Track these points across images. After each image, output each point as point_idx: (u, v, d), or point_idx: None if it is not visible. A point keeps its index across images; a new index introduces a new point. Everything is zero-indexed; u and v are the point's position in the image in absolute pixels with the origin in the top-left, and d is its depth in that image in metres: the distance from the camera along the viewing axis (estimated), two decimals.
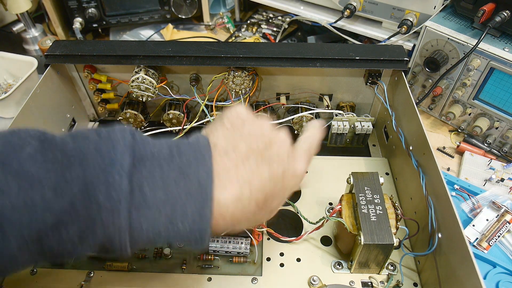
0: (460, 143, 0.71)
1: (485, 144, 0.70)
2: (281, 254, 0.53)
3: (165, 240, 0.31)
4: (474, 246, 0.57)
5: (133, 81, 0.60)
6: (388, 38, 0.78)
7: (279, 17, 0.98)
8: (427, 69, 0.70)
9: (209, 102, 0.63)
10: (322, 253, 0.53)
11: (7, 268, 0.29)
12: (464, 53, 0.65)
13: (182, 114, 0.66)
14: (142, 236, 0.30)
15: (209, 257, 0.52)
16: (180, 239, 0.32)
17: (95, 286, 0.50)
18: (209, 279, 0.50)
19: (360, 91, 0.68)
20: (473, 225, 0.59)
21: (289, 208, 0.57)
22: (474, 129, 0.69)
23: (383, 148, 0.68)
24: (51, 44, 0.63)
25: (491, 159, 0.69)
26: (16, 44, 0.94)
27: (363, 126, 0.63)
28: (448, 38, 0.66)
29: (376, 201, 0.48)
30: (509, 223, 0.58)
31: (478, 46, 0.62)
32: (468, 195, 0.63)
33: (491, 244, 0.56)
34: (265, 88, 0.67)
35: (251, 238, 0.52)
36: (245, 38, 0.95)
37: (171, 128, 0.67)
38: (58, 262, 0.31)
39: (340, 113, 0.64)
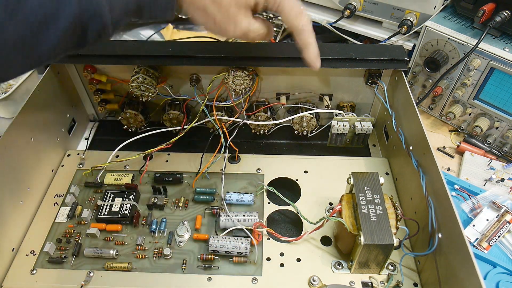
0: (460, 143, 0.71)
1: (485, 144, 0.70)
2: (281, 254, 0.53)
3: None
4: (474, 246, 0.57)
5: (133, 81, 0.60)
6: (388, 38, 0.78)
7: (280, 17, 0.98)
8: (427, 69, 0.70)
9: (209, 102, 0.63)
10: (322, 253, 0.53)
11: None
12: (464, 53, 0.65)
13: (182, 114, 0.66)
14: None
15: (209, 257, 0.52)
16: None
17: (95, 286, 0.50)
18: (209, 279, 0.50)
19: (360, 91, 0.68)
20: (473, 225, 0.58)
21: (289, 208, 0.57)
22: (474, 129, 0.69)
23: (383, 148, 0.68)
24: None
25: (491, 159, 0.69)
26: None
27: (363, 126, 0.63)
28: (448, 38, 0.66)
29: (376, 201, 0.48)
30: (509, 223, 0.58)
31: (478, 46, 0.62)
32: (468, 195, 0.63)
33: (491, 244, 0.56)
34: (265, 88, 0.67)
35: (251, 238, 0.52)
36: None
37: (171, 128, 0.67)
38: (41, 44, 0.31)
39: (340, 113, 0.64)
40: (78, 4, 0.31)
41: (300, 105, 0.67)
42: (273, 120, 0.67)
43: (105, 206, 0.56)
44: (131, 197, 0.57)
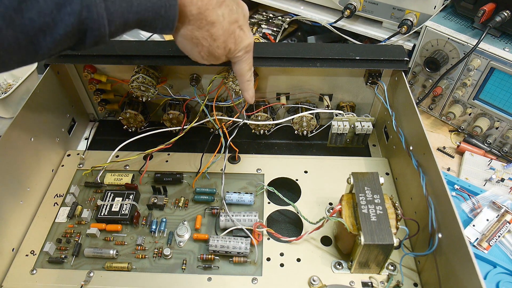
0: (460, 143, 0.71)
1: (485, 144, 0.70)
2: (281, 254, 0.53)
3: (137, 10, 0.35)
4: (474, 246, 0.57)
5: (133, 81, 0.60)
6: (388, 38, 0.78)
7: (279, 17, 0.98)
8: (427, 69, 0.70)
9: (209, 102, 0.63)
10: (322, 253, 0.53)
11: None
12: (464, 53, 0.65)
13: (182, 114, 0.66)
14: (115, 5, 0.33)
15: (209, 257, 0.52)
16: (150, 7, 0.36)
17: (95, 286, 0.50)
18: (209, 279, 0.50)
19: (360, 91, 0.68)
20: (473, 225, 0.58)
21: (289, 208, 0.57)
22: (474, 129, 0.69)
23: (383, 148, 0.68)
24: None
25: (491, 159, 0.69)
26: None
27: (363, 126, 0.63)
28: (448, 38, 0.66)
29: (376, 201, 0.48)
30: (509, 223, 0.58)
31: (478, 46, 0.62)
32: (468, 195, 0.63)
33: (491, 244, 0.56)
34: (265, 88, 0.67)
35: (251, 238, 0.52)
36: None
37: (171, 128, 0.67)
38: (37, 50, 0.32)
39: (340, 113, 0.64)
40: (78, 15, 0.31)
41: (300, 105, 0.67)
42: (273, 120, 0.67)
43: (105, 206, 0.56)
44: (131, 197, 0.57)
